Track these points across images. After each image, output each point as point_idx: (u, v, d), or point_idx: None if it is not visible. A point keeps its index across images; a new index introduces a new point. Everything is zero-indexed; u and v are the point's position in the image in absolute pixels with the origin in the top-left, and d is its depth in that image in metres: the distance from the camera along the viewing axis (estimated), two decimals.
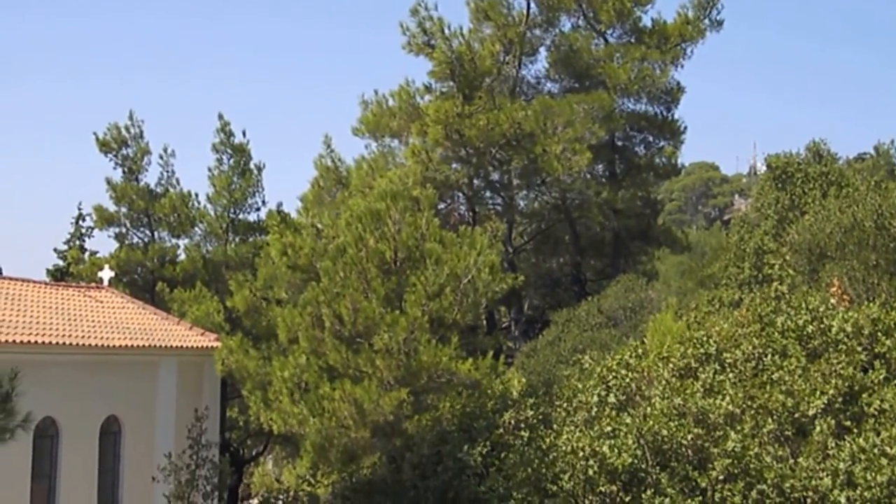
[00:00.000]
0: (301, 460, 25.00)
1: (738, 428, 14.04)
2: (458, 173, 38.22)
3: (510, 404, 15.90)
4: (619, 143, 43.85)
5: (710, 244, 42.58)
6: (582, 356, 19.92)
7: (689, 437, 13.76)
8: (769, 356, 16.02)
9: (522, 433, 14.72)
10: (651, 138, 44.43)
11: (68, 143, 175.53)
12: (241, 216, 41.25)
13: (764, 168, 49.27)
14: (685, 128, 44.05)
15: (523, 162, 37.89)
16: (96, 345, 28.48)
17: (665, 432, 13.75)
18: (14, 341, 25.83)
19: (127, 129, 40.76)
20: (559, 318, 33.90)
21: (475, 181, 39.58)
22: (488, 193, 41.62)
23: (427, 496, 14.00)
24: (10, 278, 32.52)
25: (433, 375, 22.00)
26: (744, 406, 14.69)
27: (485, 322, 36.34)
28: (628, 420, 14.20)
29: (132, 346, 29.53)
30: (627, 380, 15.97)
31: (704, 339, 17.03)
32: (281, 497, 16.49)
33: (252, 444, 41.50)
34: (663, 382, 15.67)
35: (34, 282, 33.41)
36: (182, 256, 41.40)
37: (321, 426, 22.58)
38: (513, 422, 15.26)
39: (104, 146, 40.50)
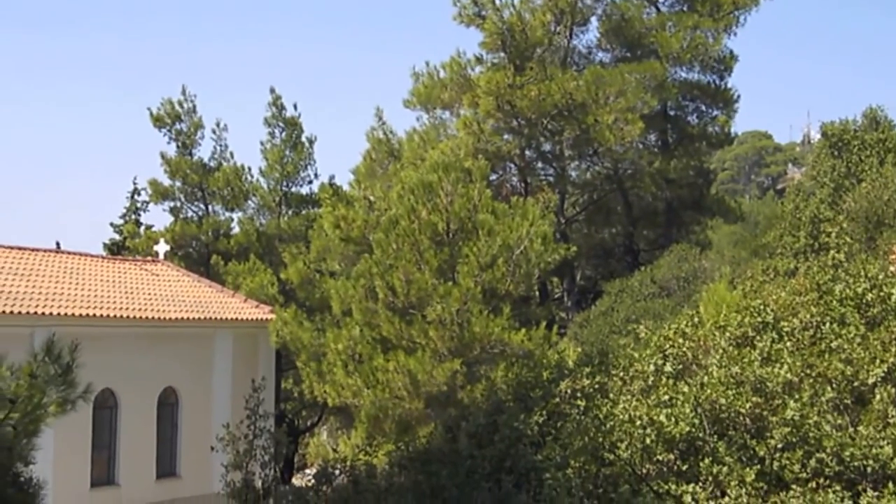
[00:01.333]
0: (356, 431, 25.19)
1: (797, 396, 13.93)
2: (510, 144, 38.13)
3: (566, 374, 15.87)
4: (672, 113, 43.50)
5: (764, 213, 42.22)
6: (637, 326, 19.87)
7: (748, 405, 13.67)
8: (827, 324, 15.87)
9: (579, 402, 14.69)
10: (703, 107, 44.05)
11: (123, 118, 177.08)
12: (293, 189, 41.51)
13: (818, 136, 48.72)
14: (738, 96, 43.69)
15: (575, 132, 37.71)
16: (153, 317, 28.86)
17: (723, 401, 13.67)
18: (73, 314, 26.26)
19: (180, 103, 41.10)
20: (612, 288, 33.82)
21: (527, 152, 39.47)
22: (540, 164, 41.48)
23: (483, 465, 14.03)
24: (69, 252, 33.00)
25: (486, 346, 22.05)
26: (802, 374, 14.58)
27: (537, 293, 36.34)
28: (685, 389, 14.13)
29: (188, 318, 29.87)
30: (684, 349, 15.89)
31: (761, 307, 16.91)
32: (338, 466, 16.60)
33: (307, 415, 41.86)
34: (720, 351, 15.57)
35: (92, 256, 33.89)
36: (236, 229, 41.76)
37: (375, 397, 22.73)
38: (569, 391, 15.23)
39: (158, 121, 40.87)
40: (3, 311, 24.68)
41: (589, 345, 25.14)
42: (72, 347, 12.03)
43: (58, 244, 41.41)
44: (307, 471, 37.64)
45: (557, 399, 15.17)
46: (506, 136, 38.22)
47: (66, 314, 26.10)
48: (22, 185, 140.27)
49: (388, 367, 22.36)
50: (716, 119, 43.98)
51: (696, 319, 17.52)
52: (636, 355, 16.11)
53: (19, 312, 25.08)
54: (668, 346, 16.16)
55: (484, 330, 21.74)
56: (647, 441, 13.27)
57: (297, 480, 35.28)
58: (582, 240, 41.66)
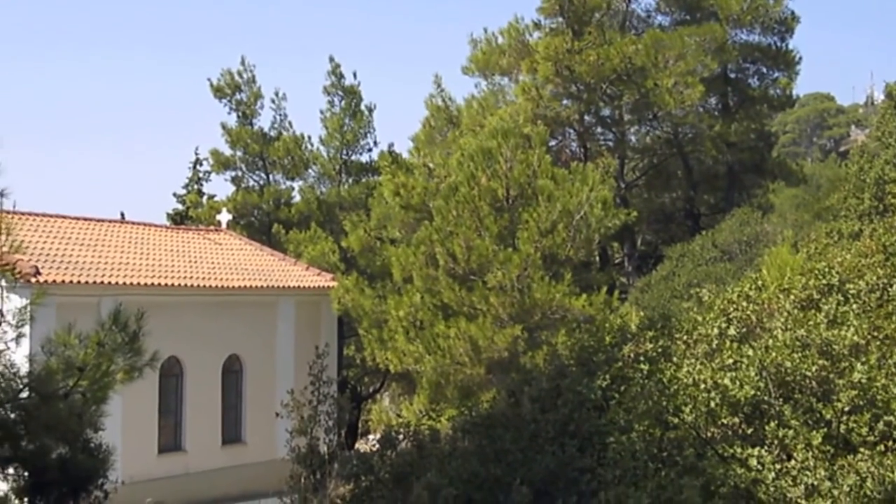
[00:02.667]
0: (418, 397, 25.41)
1: (864, 359, 13.79)
2: (569, 109, 37.92)
3: (629, 338, 15.84)
4: (732, 76, 42.93)
5: (827, 176, 41.60)
6: (700, 289, 19.75)
7: (814, 368, 13.55)
8: (894, 286, 15.69)
9: (642, 366, 14.66)
10: (765, 70, 43.35)
11: (184, 89, 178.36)
12: (353, 157, 41.80)
13: (882, 97, 47.85)
14: (800, 58, 42.94)
15: (634, 97, 37.44)
16: (217, 286, 29.22)
17: (788, 364, 13.57)
18: (139, 283, 26.66)
19: (239, 73, 41.43)
20: (673, 252, 33.63)
21: (586, 117, 39.23)
22: (599, 129, 41.22)
23: (547, 429, 14.08)
24: (133, 223, 33.46)
25: (547, 312, 22.09)
26: (869, 337, 14.42)
27: (598, 258, 36.24)
28: (750, 352, 14.03)
29: (251, 286, 30.21)
30: (748, 312, 15.78)
31: (826, 270, 16.73)
32: (402, 431, 16.75)
33: (369, 382, 42.23)
34: (785, 314, 15.43)
35: (156, 226, 34.36)
36: (297, 198, 42.18)
37: (437, 363, 22.88)
38: (632, 355, 15.22)
39: (218, 92, 41.24)
40: (71, 281, 25.12)
41: (650, 309, 25.05)
42: (138, 316, 12.23)
43: (122, 215, 42.08)
44: (370, 437, 37.97)
45: (620, 363, 15.16)
46: (565, 102, 38.02)
47: (131, 283, 26.52)
48: (86, 156, 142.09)
49: (450, 333, 22.48)
50: (777, 81, 43.29)
51: (759, 282, 17.38)
52: (699, 319, 16.03)
53: (86, 282, 25.51)
54: (731, 309, 16.05)
55: (545, 296, 21.76)
56: (712, 405, 13.22)
57: (360, 446, 35.61)
58: (642, 204, 41.36)
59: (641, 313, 17.82)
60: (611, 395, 14.49)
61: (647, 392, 13.68)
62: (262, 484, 25.02)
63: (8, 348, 11.60)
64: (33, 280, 23.16)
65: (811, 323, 14.53)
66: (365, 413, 42.49)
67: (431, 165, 30.21)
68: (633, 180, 43.01)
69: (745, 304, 16.10)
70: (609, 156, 40.01)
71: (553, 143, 37.01)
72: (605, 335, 16.42)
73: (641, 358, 15.13)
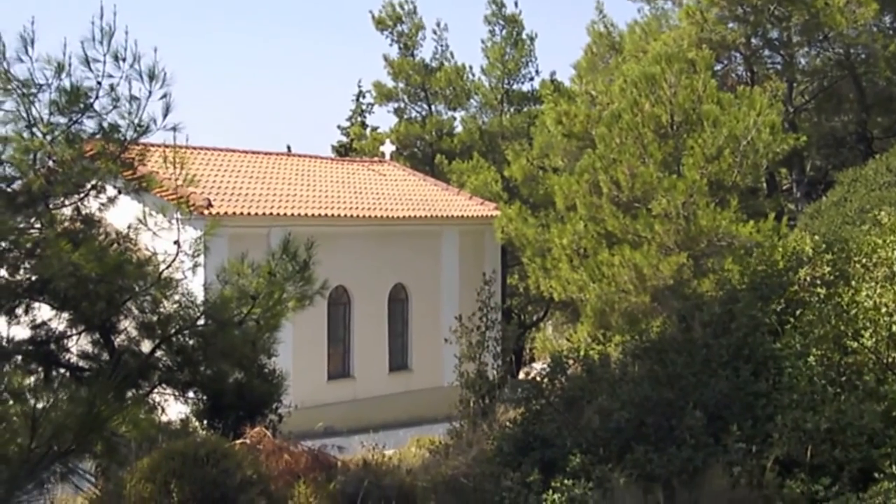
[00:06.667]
0: (581, 325, 25.44)
1: None
2: (735, 33, 36.83)
3: (804, 262, 15.45)
4: None
5: None
6: (877, 212, 19.15)
7: None
8: None
9: (818, 290, 14.29)
10: None
11: (346, 23, 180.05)
12: (514, 86, 41.83)
13: None
14: None
15: (804, 17, 36.07)
16: (382, 216, 29.74)
17: None
18: (307, 214, 27.32)
19: (401, 5, 41.74)
20: (844, 177, 32.51)
21: (753, 40, 38.04)
22: (767, 52, 39.91)
23: (720, 353, 13.89)
24: (299, 155, 34.26)
25: (713, 239, 21.82)
26: None
27: (765, 184, 35.38)
28: None
29: (416, 216, 30.64)
30: None
31: None
32: (571, 356, 16.79)
33: (532, 310, 42.46)
34: None
35: (321, 158, 35.10)
36: (459, 128, 42.46)
37: (601, 292, 22.89)
38: (808, 279, 14.84)
39: (380, 24, 41.68)
40: (242, 213, 25.93)
41: (821, 236, 24.47)
42: (307, 245, 12.61)
43: (289, 148, 43.13)
44: (534, 365, 38.25)
45: (796, 287, 14.82)
46: (730, 25, 36.92)
47: (300, 214, 27.21)
48: (253, 91, 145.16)
49: (614, 261, 22.45)
50: None
51: None
52: (879, 242, 15.52)
53: (256, 213, 26.31)
54: None
55: (710, 223, 21.49)
56: (894, 329, 12.85)
57: (524, 373, 35.91)
58: (811, 129, 40.08)
59: (816, 237, 17.31)
60: (786, 320, 14.16)
61: (825, 316, 13.31)
62: (429, 410, 25.59)
63: (185, 277, 12.13)
64: (206, 212, 23.93)
65: None
66: (529, 342, 42.82)
67: (594, 93, 29.93)
68: (802, 104, 41.66)
69: None
70: (777, 79, 38.90)
71: (718, 67, 36.11)
72: (778, 259, 16.05)
73: (818, 282, 14.74)
